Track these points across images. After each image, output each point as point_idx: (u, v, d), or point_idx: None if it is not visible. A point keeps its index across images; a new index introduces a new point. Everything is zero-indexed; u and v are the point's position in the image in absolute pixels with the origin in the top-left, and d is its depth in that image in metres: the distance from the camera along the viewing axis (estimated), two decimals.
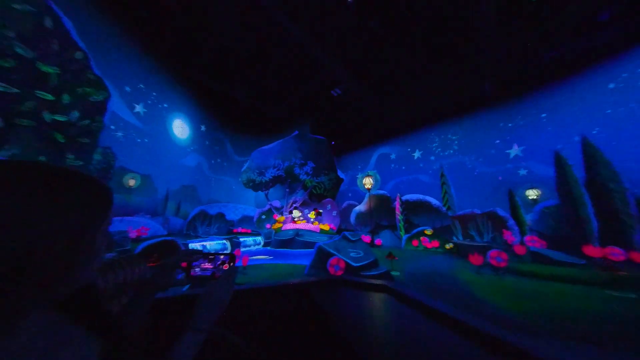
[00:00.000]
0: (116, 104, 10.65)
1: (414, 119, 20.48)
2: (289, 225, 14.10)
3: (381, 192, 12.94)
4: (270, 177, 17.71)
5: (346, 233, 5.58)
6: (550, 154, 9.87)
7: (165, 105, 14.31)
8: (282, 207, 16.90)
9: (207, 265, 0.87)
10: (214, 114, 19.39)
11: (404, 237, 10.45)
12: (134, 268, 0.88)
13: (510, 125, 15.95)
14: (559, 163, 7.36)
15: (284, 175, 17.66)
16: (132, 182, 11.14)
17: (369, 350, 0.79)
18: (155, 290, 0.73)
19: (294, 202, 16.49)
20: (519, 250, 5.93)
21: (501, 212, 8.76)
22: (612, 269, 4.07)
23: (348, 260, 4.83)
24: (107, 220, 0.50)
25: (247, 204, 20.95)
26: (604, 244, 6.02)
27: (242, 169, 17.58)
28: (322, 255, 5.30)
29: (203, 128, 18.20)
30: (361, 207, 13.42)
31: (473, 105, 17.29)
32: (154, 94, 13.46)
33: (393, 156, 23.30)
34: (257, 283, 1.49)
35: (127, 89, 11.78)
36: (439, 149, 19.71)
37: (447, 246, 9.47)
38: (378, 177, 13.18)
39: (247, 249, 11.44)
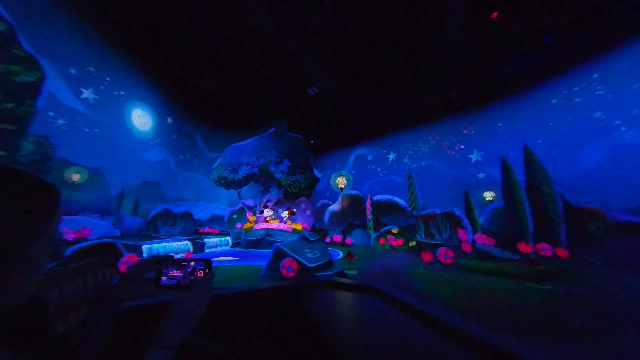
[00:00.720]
0: (57, 88, 9.28)
1: (389, 122, 21.27)
2: (261, 225, 13.73)
3: (354, 192, 13.18)
4: (244, 175, 17.07)
5: (306, 233, 5.52)
6: (509, 159, 10.96)
7: (122, 92, 12.90)
8: (255, 206, 16.40)
9: (176, 272, 0.77)
10: (184, 106, 18.11)
11: (373, 235, 10.75)
12: (96, 276, 0.77)
13: (473, 132, 17.32)
14: (505, 168, 8.12)
15: (258, 173, 17.15)
16: (76, 177, 9.84)
17: (354, 352, 0.76)
18: (119, 302, 0.65)
19: (268, 201, 16.10)
20: (466, 247, 6.44)
21: (458, 212, 9.42)
22: (534, 264, 4.58)
23: (303, 261, 4.77)
24: (50, 226, 0.44)
25: (219, 202, 19.99)
26: (537, 240, 6.80)
27: (214, 166, 16.69)
28: (279, 256, 5.17)
29: (170, 120, 16.87)
30: (335, 207, 13.53)
31: (441, 112, 18.46)
32: (108, 79, 12.04)
33: (369, 157, 24.00)
34: (240, 288, 1.39)
35: (73, 71, 10.31)
36: (411, 152, 20.77)
37: (411, 244, 9.93)
38: (351, 177, 13.37)
39: (213, 250, 10.87)
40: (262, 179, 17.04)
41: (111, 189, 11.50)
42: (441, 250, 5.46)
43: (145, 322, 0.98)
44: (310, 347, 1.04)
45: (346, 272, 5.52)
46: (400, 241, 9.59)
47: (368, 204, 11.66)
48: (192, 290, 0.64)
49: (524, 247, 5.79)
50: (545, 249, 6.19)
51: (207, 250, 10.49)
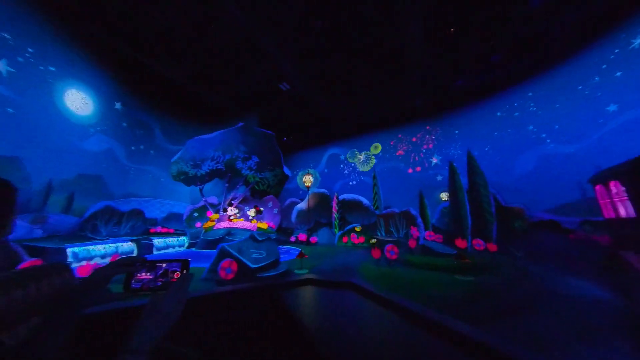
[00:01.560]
0: None
1: (361, 124, 21.96)
2: (223, 224, 12.97)
3: (321, 190, 13.23)
4: (208, 170, 15.96)
5: (254, 233, 5.29)
6: (457, 163, 12.12)
7: (51, 68, 10.92)
8: (220, 203, 15.46)
9: (149, 275, 0.74)
10: (139, 92, 16.19)
11: (337, 234, 10.89)
12: (51, 281, 0.74)
13: (433, 137, 18.83)
14: (451, 172, 8.89)
15: (224, 169, 16.19)
16: None
17: (334, 348, 0.76)
18: (80, 308, 0.60)
19: (233, 199, 15.30)
20: (412, 244, 6.90)
21: (413, 211, 10.05)
22: (462, 258, 5.08)
23: (246, 262, 4.54)
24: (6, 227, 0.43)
25: (180, 200, 18.41)
26: (474, 236, 7.60)
27: (173, 159, 15.26)
28: (223, 257, 4.86)
29: (119, 106, 14.89)
30: (302, 205, 13.41)
31: (407, 117, 19.67)
32: (30, 50, 10.05)
33: (342, 157, 24.52)
34: (217, 289, 1.34)
35: None
36: (381, 153, 21.77)
37: (372, 241, 10.27)
38: (318, 175, 13.39)
39: (163, 252, 9.89)
40: (228, 176, 16.13)
41: (32, 182, 9.64)
42: (388, 247, 5.74)
43: (117, 328, 0.93)
44: (290, 345, 1.02)
45: (297, 272, 5.44)
46: (361, 239, 9.88)
47: (334, 203, 11.80)
48: (167, 292, 0.62)
49: (460, 243, 6.42)
50: (479, 244, 6.93)
51: (155, 253, 9.50)
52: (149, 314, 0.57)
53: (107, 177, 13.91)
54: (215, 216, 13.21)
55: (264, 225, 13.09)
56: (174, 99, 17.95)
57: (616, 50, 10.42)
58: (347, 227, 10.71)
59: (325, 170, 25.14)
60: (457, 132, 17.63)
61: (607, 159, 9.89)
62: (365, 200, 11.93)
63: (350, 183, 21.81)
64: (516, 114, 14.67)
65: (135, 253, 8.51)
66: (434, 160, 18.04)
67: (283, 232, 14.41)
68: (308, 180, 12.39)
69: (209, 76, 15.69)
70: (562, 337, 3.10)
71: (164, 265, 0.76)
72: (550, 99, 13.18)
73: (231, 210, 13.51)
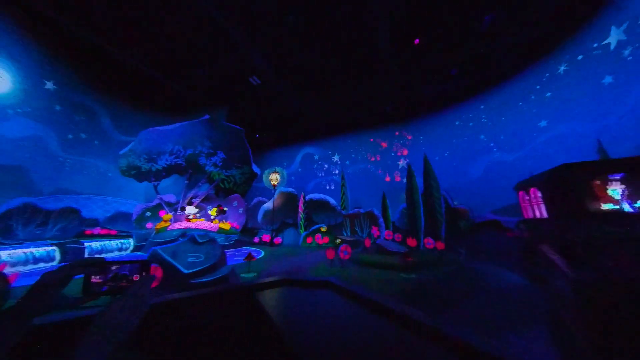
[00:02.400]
0: None
1: (335, 125, 22.17)
2: (180, 225, 11.86)
3: (289, 189, 12.91)
4: (165, 166, 14.48)
5: (195, 234, 4.81)
6: (420, 167, 12.96)
7: None
8: (178, 202, 14.14)
9: (104, 278, 0.70)
10: (80, 71, 13.98)
11: (302, 234, 10.68)
12: None
13: (401, 142, 19.88)
14: (409, 174, 9.36)
15: (185, 165, 14.87)
16: None
17: (313, 348, 0.75)
18: (27, 317, 0.55)
19: (194, 197, 14.13)
20: (367, 243, 7.06)
21: (376, 212, 10.34)
22: (407, 257, 5.31)
23: (179, 266, 4.07)
24: None
25: (133, 197, 16.43)
26: (426, 235, 8.08)
27: (122, 152, 13.51)
28: (155, 262, 4.29)
29: (50, 85, 12.61)
30: (269, 205, 12.91)
31: (378, 122, 20.44)
32: None
33: (316, 157, 24.49)
34: (188, 292, 1.24)
35: None
36: (353, 155, 22.27)
37: (337, 241, 10.28)
38: (285, 174, 13.04)
39: (102, 255, 8.59)
40: (189, 172, 14.85)
41: None
42: (342, 248, 5.74)
43: (67, 339, 0.85)
44: (268, 349, 0.99)
45: (243, 275, 5.08)
46: (326, 239, 9.82)
47: (301, 203, 11.58)
48: (123, 297, 0.58)
49: (411, 242, 6.77)
50: (429, 242, 7.36)
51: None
52: (100, 322, 0.52)
53: (31, 169, 11.68)
54: (168, 216, 12.00)
55: (226, 225, 12.30)
56: (127, 83, 15.93)
57: (547, 74, 12.07)
58: (312, 228, 10.59)
59: (299, 170, 24.85)
60: (422, 137, 18.84)
61: (539, 167, 11.44)
62: (332, 200, 11.96)
63: (327, 187, 21.84)
64: (470, 123, 16.18)
65: (57, 260, 7.22)
66: (401, 162, 18.99)
67: (249, 233, 13.74)
68: (274, 178, 11.97)
69: (170, 62, 14.25)
70: (493, 325, 3.28)
71: (113, 268, 0.72)
72: (497, 112, 14.78)
73: (190, 210, 12.43)
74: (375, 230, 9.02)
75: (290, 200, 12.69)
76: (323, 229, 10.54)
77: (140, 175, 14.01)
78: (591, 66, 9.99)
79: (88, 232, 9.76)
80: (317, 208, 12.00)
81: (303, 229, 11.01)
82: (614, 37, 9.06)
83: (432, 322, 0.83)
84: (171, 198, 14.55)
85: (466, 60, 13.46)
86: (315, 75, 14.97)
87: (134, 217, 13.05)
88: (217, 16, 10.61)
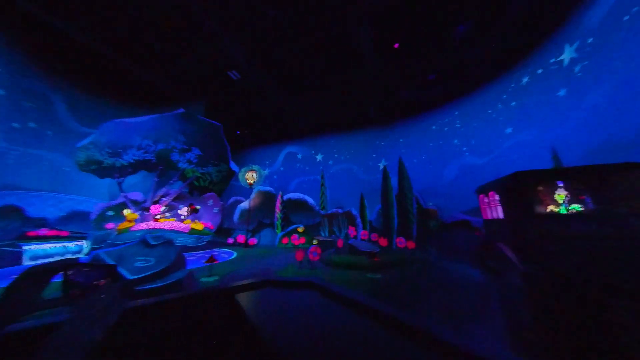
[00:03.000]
0: None
1: (319, 125, 22.09)
2: (146, 225, 10.97)
3: (267, 188, 12.53)
4: (132, 161, 13.37)
5: (147, 236, 4.37)
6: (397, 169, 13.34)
7: None
8: (145, 200, 13.11)
9: (85, 279, 0.68)
10: (29, 51, 12.41)
11: (278, 235, 10.39)
12: None
13: (382, 144, 20.34)
14: (384, 175, 9.52)
15: (155, 161, 13.86)
16: None
17: (295, 350, 0.74)
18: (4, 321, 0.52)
19: (164, 196, 13.19)
20: (339, 244, 7.04)
21: (354, 212, 10.36)
22: (372, 257, 5.33)
23: (123, 272, 3.63)
24: None
25: (95, 195, 14.94)
26: (399, 235, 8.25)
27: (80, 144, 12.22)
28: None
29: None
30: (246, 204, 12.42)
31: (361, 123, 20.75)
32: None
33: (299, 156, 24.22)
34: (169, 295, 1.18)
35: None
36: (336, 155, 22.36)
37: (314, 242, 10.11)
38: (262, 172, 12.66)
39: (40, 261, 7.61)
40: (160, 168, 13.86)
41: None
42: (311, 249, 5.61)
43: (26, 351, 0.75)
44: (248, 352, 0.98)
45: (203, 279, 4.73)
46: (303, 240, 9.63)
47: (278, 202, 11.28)
48: (85, 306, 0.53)
49: (382, 241, 6.86)
50: (401, 241, 7.50)
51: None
52: (58, 335, 0.46)
53: None
54: (132, 216, 11.05)
55: (199, 225, 11.62)
56: (88, 68, 14.48)
57: (512, 85, 13.00)
58: (289, 228, 10.35)
59: (282, 169, 24.41)
60: (401, 140, 19.42)
61: (504, 171, 12.27)
62: (310, 200, 11.80)
63: (306, 181, 21.63)
64: (445, 128, 16.99)
65: None
66: (382, 164, 19.39)
67: (224, 234, 13.12)
68: (251, 177, 11.53)
69: (141, 49, 13.18)
70: (454, 316, 3.40)
71: (94, 269, 0.72)
72: (469, 119, 15.67)
73: (157, 208, 11.57)
74: (352, 230, 9.03)
75: (268, 200, 12.32)
76: (300, 229, 10.35)
77: (101, 170, 12.78)
78: (548, 79, 10.92)
79: (31, 233, 8.60)
80: (295, 208, 11.77)
81: (280, 229, 10.72)
82: (567, 54, 9.98)
83: (415, 321, 0.83)
84: (138, 196, 13.46)
85: (442, 68, 14.09)
86: (298, 73, 14.75)
87: (93, 216, 11.84)
88: (192, 4, 9.99)
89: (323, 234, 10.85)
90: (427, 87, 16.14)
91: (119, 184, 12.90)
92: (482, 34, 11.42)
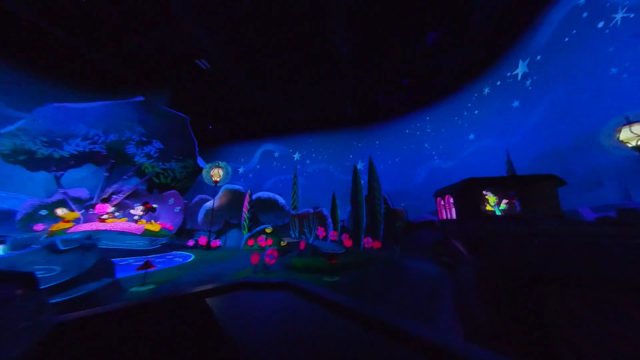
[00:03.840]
0: None
1: (297, 123, 21.69)
2: (89, 226, 9.57)
3: (236, 186, 11.78)
4: (75, 153, 11.66)
5: (55, 240, 3.62)
6: (377, 171, 13.53)
7: None
8: (91, 198, 11.50)
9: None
10: None
11: (245, 236, 9.76)
12: None
13: (360, 145, 20.63)
14: (354, 175, 9.49)
15: (105, 153, 12.26)
16: None
17: (270, 353, 0.73)
18: None
19: (115, 193, 11.71)
20: (301, 245, 6.77)
21: (325, 212, 10.16)
22: (330, 259, 5.16)
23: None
24: None
25: (25, 191, 12.75)
26: (367, 235, 8.25)
27: (4, 130, 10.30)
28: None
29: None
30: (212, 203, 11.51)
31: (340, 124, 20.83)
32: None
33: (277, 154, 23.53)
34: (132, 301, 1.11)
35: None
36: (314, 154, 22.15)
37: (282, 243, 9.68)
38: (230, 169, 11.92)
39: None
40: (111, 162, 12.29)
41: None
42: (268, 251, 5.24)
43: None
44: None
45: (134, 289, 4.07)
46: (270, 241, 9.14)
47: (246, 201, 10.64)
48: None
49: (347, 242, 6.77)
50: (368, 242, 7.46)
51: None
52: None
53: None
54: (72, 215, 9.58)
55: (155, 226, 10.48)
56: (18, 40, 12.33)
57: (476, 94, 13.96)
58: (256, 229, 9.80)
59: (258, 167, 23.52)
60: (377, 142, 19.88)
61: (466, 175, 13.11)
62: (281, 200, 11.36)
63: (283, 180, 21.05)
64: (418, 133, 17.75)
65: None
66: (359, 165, 19.61)
67: (187, 235, 12.05)
68: (216, 174, 10.70)
69: (89, 22, 11.53)
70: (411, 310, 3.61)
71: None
72: (439, 124, 16.54)
73: (104, 207, 10.19)
74: (321, 231, 8.81)
75: (236, 199, 11.59)
76: (268, 230, 9.85)
77: (33, 162, 10.92)
78: (505, 91, 11.88)
79: None
80: (264, 207, 11.22)
81: (246, 230, 10.09)
82: (520, 69, 10.93)
83: (391, 319, 0.83)
84: (82, 193, 11.76)
85: (416, 74, 14.65)
86: (273, 68, 14.22)
87: (19, 215, 10.03)
88: None
89: (293, 235, 10.48)
90: (401, 92, 16.69)
91: (57, 178, 11.14)
92: (449, 44, 12.06)
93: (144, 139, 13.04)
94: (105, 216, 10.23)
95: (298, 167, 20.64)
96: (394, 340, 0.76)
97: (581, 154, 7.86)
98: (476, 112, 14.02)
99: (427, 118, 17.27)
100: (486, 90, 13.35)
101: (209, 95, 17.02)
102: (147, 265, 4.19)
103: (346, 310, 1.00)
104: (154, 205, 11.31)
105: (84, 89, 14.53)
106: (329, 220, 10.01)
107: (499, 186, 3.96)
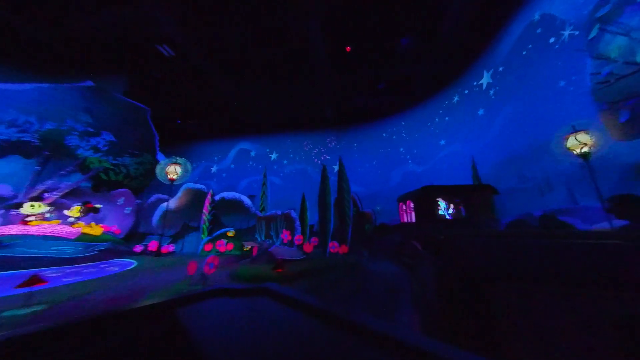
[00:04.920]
0: None
1: (274, 122, 20.95)
2: (8, 229, 7.94)
3: (198, 186, 10.73)
4: None
5: None
6: (354, 174, 13.23)
7: None
8: (16, 196, 9.69)
9: None
10: None
11: (203, 240, 8.79)
12: None
13: (338, 146, 20.49)
14: (323, 175, 9.11)
15: (39, 144, 10.50)
16: None
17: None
18: None
19: (48, 190, 10.00)
20: (254, 251, 6.18)
21: (293, 214, 9.58)
22: (277, 268, 4.66)
23: None
24: None
25: None
26: (335, 239, 7.85)
27: None
28: None
29: None
30: (170, 204, 10.32)
31: (319, 124, 20.55)
32: None
33: (253, 153, 22.49)
34: (94, 313, 0.99)
35: None
36: (292, 154, 21.55)
37: (245, 248, 8.87)
38: (189, 167, 10.87)
39: None
40: (44, 154, 10.54)
41: None
42: (208, 259, 4.55)
43: None
44: None
45: (9, 313, 3.13)
46: (230, 246, 8.30)
47: (207, 202, 9.68)
48: None
49: (307, 247, 6.33)
50: (333, 246, 7.03)
51: None
52: None
53: None
54: None
55: (96, 230, 9.06)
56: None
57: (446, 102, 14.49)
58: (216, 233, 8.90)
59: (232, 166, 22.25)
60: (355, 145, 19.89)
61: (436, 178, 13.51)
62: (247, 201, 10.56)
63: (258, 181, 20.06)
64: (394, 137, 18.05)
65: None
66: (336, 167, 19.38)
67: (139, 239, 10.67)
68: (172, 171, 9.59)
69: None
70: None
71: None
72: (413, 129, 16.95)
73: (29, 207, 8.60)
74: (287, 235, 8.21)
75: (198, 200, 10.55)
76: (230, 234, 9.01)
77: None
78: (472, 99, 12.43)
79: None
80: (228, 209, 10.34)
81: (206, 233, 9.13)
82: (485, 79, 11.48)
83: (373, 323, 0.83)
84: (5, 190, 9.87)
85: (391, 79, 14.84)
86: (250, 62, 13.45)
87: None
88: None
89: (259, 239, 9.73)
90: (378, 96, 16.85)
91: None
92: (421, 51, 12.36)
93: (91, 130, 11.47)
94: (31, 217, 8.62)
95: (268, 167, 19.82)
96: (373, 344, 0.74)
97: (536, 160, 8.28)
98: (447, 118, 14.55)
99: (403, 123, 17.64)
100: (455, 98, 13.92)
101: (179, 88, 15.65)
102: (33, 280, 3.26)
103: (327, 315, 0.98)
104: (97, 206, 9.85)
105: (17, 67, 12.42)
106: (297, 223, 9.46)
107: (449, 194, 4.49)
